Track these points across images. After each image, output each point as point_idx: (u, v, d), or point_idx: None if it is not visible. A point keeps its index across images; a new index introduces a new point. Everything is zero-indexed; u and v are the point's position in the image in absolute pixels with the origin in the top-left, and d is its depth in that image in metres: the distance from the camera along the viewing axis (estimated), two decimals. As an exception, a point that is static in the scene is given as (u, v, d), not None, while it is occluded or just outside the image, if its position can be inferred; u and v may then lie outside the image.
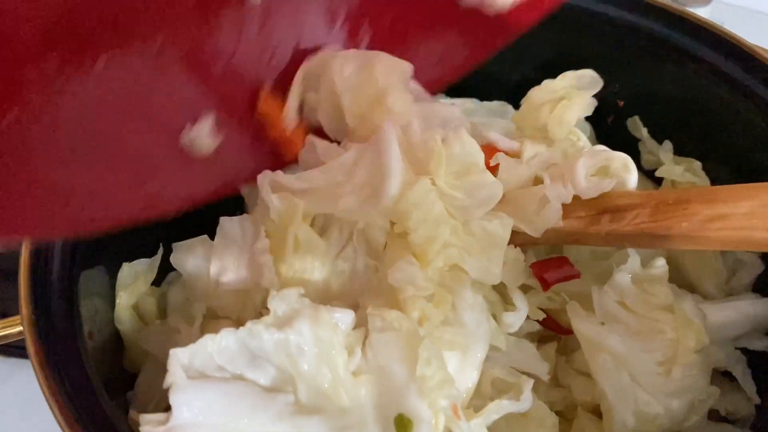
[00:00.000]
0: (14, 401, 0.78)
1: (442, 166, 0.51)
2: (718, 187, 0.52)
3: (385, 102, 0.55)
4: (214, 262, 0.54)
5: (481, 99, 0.76)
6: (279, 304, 0.46)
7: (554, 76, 0.72)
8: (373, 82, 0.55)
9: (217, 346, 0.44)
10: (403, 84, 0.57)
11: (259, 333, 0.45)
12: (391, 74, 0.55)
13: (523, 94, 0.69)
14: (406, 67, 0.57)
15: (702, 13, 1.12)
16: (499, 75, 0.75)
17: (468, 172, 0.52)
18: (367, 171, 0.53)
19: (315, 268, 0.53)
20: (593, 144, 0.71)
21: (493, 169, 0.56)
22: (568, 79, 0.64)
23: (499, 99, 0.76)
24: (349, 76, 0.56)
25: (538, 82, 0.73)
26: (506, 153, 0.57)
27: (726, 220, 0.49)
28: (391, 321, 0.45)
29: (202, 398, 0.42)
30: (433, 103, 0.61)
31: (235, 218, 0.56)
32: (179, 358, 0.43)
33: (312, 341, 0.45)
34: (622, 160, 0.57)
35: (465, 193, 0.52)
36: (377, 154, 0.52)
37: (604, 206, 0.55)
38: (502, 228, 0.52)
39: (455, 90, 0.73)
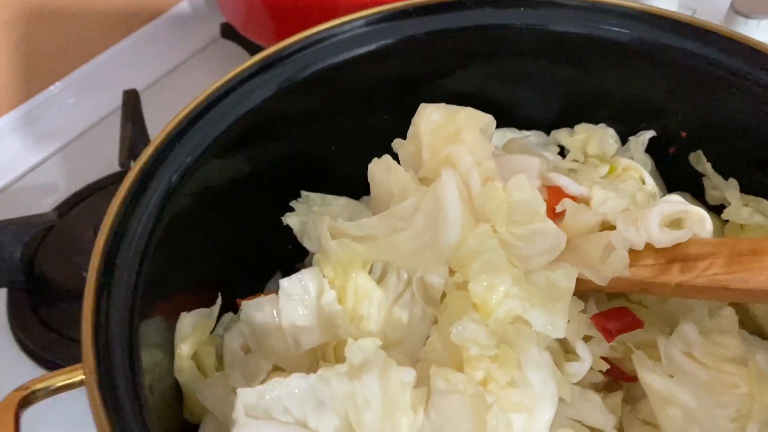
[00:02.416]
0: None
1: (503, 213, 0.50)
2: (797, 236, 0.49)
3: (459, 136, 0.55)
4: (285, 324, 0.54)
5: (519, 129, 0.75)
6: (356, 353, 0.47)
7: (610, 107, 0.72)
8: (453, 123, 0.55)
9: (286, 390, 0.45)
10: (481, 130, 0.56)
11: (329, 380, 0.45)
12: (472, 120, 0.55)
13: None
14: (488, 118, 0.56)
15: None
16: (544, 107, 0.74)
17: (529, 220, 0.50)
18: (426, 218, 0.52)
19: (371, 316, 0.53)
20: (655, 178, 0.69)
21: (560, 215, 0.54)
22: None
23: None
24: (434, 120, 0.56)
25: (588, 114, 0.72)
26: (574, 198, 0.56)
27: (809, 273, 0.47)
28: (455, 383, 0.44)
29: (257, 437, 0.43)
30: (512, 155, 0.61)
31: (293, 277, 0.55)
32: (246, 397, 0.45)
33: (379, 396, 0.45)
34: (698, 215, 0.55)
35: (526, 242, 0.50)
36: (436, 201, 0.51)
37: (673, 255, 0.53)
38: (566, 278, 0.50)
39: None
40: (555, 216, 0.54)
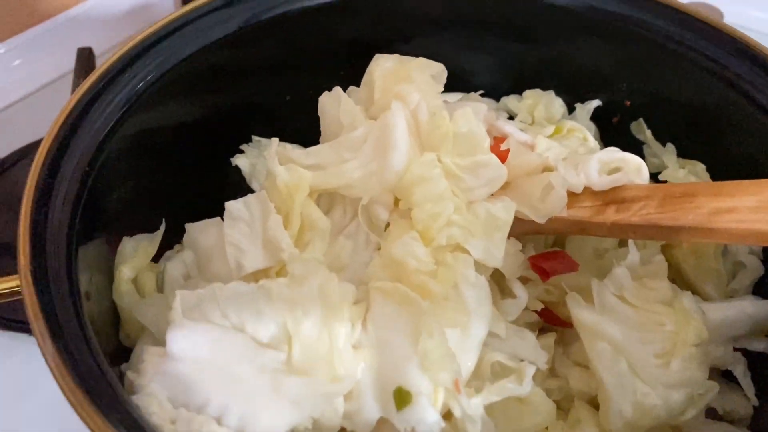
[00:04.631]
0: (16, 377, 0.75)
1: (448, 143, 0.51)
2: (725, 182, 0.51)
3: (410, 77, 0.56)
4: (229, 247, 0.53)
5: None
6: (297, 266, 0.47)
7: (559, 77, 0.74)
8: (405, 69, 0.56)
9: (225, 295, 0.45)
10: (431, 76, 0.57)
11: (270, 290, 0.46)
12: (424, 68, 0.56)
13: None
14: (440, 67, 0.57)
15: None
16: (496, 76, 0.76)
17: (473, 151, 0.52)
18: (374, 147, 0.53)
19: (316, 243, 0.53)
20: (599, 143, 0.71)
21: (504, 155, 0.56)
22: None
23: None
24: (388, 67, 0.57)
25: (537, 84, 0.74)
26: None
27: (732, 213, 0.49)
28: (393, 293, 0.45)
29: (193, 338, 0.43)
30: (461, 101, 0.62)
31: (240, 200, 0.55)
32: (185, 299, 0.45)
33: (319, 307, 0.46)
34: (636, 163, 0.57)
35: (469, 173, 0.52)
36: (384, 129, 0.52)
37: (610, 198, 0.55)
38: (505, 211, 0.52)
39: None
40: (500, 158, 0.56)
